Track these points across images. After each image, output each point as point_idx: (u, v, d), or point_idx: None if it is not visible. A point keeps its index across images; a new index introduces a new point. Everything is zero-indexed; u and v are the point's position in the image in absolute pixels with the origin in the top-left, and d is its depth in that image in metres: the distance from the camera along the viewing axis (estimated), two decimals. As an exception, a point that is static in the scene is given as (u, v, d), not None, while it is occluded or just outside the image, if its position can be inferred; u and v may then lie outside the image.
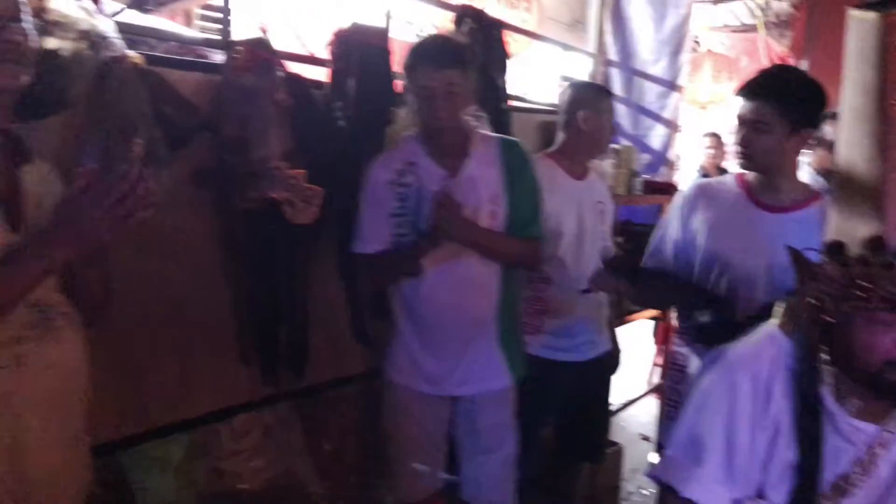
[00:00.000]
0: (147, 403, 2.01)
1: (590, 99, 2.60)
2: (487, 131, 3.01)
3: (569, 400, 2.64)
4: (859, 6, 1.15)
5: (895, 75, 1.09)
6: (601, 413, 2.92)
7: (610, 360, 2.79)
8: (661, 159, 4.17)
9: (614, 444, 3.58)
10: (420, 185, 2.04)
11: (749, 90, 1.92)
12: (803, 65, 6.13)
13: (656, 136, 4.16)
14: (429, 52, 1.95)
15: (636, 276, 2.17)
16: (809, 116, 1.91)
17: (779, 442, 1.30)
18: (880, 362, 1.19)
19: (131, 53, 1.77)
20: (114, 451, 1.98)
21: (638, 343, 4.92)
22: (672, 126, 4.18)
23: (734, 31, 6.83)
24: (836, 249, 1.22)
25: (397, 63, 2.20)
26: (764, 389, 1.31)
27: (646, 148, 4.11)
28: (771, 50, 6.39)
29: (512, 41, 4.60)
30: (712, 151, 5.56)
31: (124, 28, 1.81)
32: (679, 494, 1.33)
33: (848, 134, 1.21)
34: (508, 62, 3.29)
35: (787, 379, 1.30)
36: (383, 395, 2.21)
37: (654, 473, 1.43)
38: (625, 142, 3.96)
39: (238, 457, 2.21)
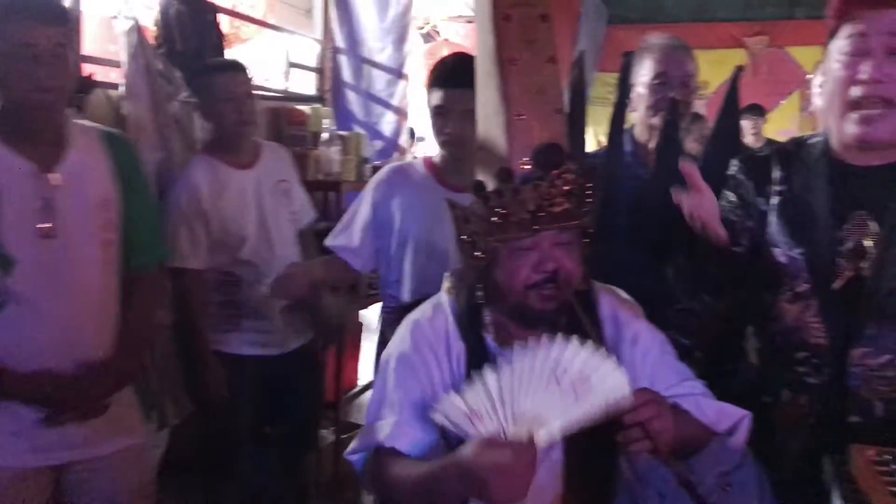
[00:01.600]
0: None
1: (200, 81, 2.47)
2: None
3: (276, 394, 2.59)
4: None
5: (506, 39, 1.28)
6: (311, 403, 2.86)
7: (315, 350, 2.75)
8: (393, 145, 4.28)
9: (357, 425, 3.63)
10: None
11: (454, 79, 1.97)
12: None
13: (387, 123, 4.26)
14: (28, 1, 1.60)
15: None
16: None
17: (461, 385, 1.36)
18: (522, 288, 1.30)
19: None
20: None
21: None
22: (401, 113, 4.29)
23: (469, 22, 7.16)
24: (478, 188, 1.30)
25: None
26: (444, 338, 1.40)
27: (377, 134, 4.19)
28: (501, 40, 6.78)
29: (243, 26, 4.50)
30: None
31: None
32: (384, 446, 1.34)
33: (482, 94, 1.39)
34: (228, 47, 3.18)
35: (456, 332, 1.40)
36: None
37: (352, 450, 1.42)
38: (357, 129, 4.01)
39: None
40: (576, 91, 1.87)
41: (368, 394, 4.23)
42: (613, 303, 1.45)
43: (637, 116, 2.01)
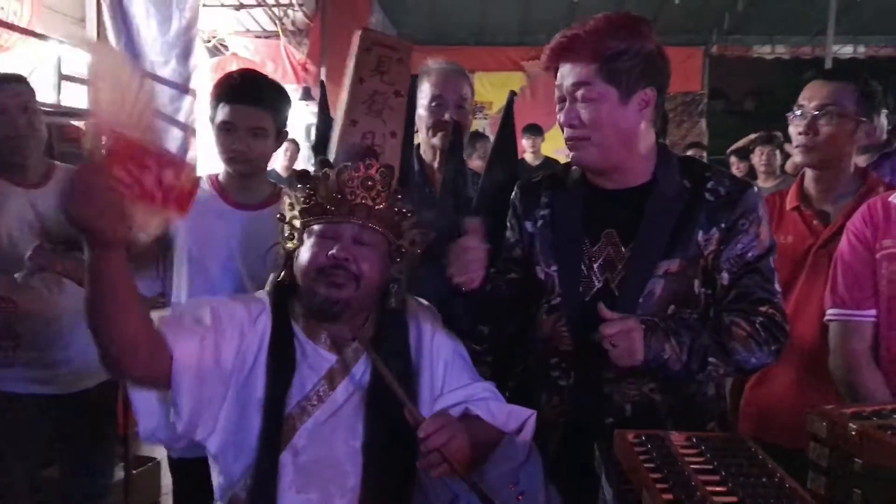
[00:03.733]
0: None
1: None
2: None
3: (61, 437, 2.40)
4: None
5: (363, 64, 1.54)
6: (101, 448, 2.60)
7: (110, 388, 2.50)
8: (180, 163, 4.11)
9: (151, 459, 3.45)
10: None
11: (240, 96, 1.95)
12: (322, 71, 6.62)
13: (172, 140, 4.09)
14: None
15: None
16: (286, 119, 2.06)
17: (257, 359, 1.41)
18: (314, 271, 1.38)
19: None
20: None
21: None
22: (188, 129, 4.14)
23: (257, 37, 7.06)
24: (302, 176, 1.43)
25: None
26: (254, 317, 1.44)
27: (162, 152, 4.01)
28: (291, 56, 6.76)
29: (4, 33, 4.11)
30: (288, 154, 6.14)
31: None
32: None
33: (341, 109, 1.59)
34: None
35: (269, 317, 1.44)
36: None
37: None
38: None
39: None
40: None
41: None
42: (415, 309, 1.56)
43: (420, 136, 2.11)
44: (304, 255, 1.41)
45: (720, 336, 1.46)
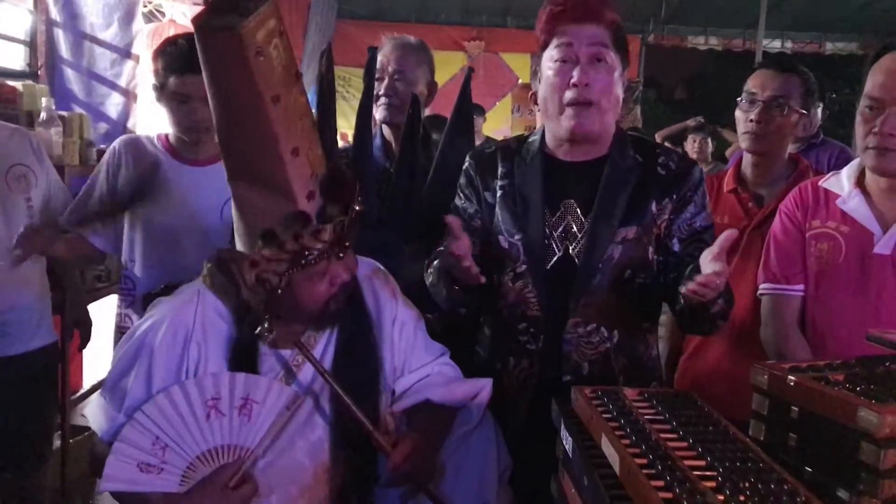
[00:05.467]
0: None
1: None
2: None
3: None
4: (204, 23, 1.17)
5: (263, 78, 1.15)
6: (41, 415, 2.53)
7: (53, 354, 2.48)
8: (120, 128, 4.02)
9: (87, 428, 3.39)
10: None
11: (193, 65, 1.91)
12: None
13: (112, 105, 3.99)
14: None
15: None
16: None
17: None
18: (323, 302, 1.38)
19: None
20: None
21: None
22: (129, 95, 4.05)
23: (195, 4, 6.88)
24: (270, 237, 1.29)
25: None
26: (183, 337, 1.39)
27: (102, 116, 3.91)
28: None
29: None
30: None
31: None
32: (102, 440, 1.35)
33: (241, 132, 1.26)
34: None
35: (214, 326, 1.40)
36: None
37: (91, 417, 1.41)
38: (78, 109, 3.71)
39: None
40: (326, 86, 1.94)
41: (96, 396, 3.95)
42: (373, 281, 1.56)
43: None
44: (304, 294, 1.36)
45: None
